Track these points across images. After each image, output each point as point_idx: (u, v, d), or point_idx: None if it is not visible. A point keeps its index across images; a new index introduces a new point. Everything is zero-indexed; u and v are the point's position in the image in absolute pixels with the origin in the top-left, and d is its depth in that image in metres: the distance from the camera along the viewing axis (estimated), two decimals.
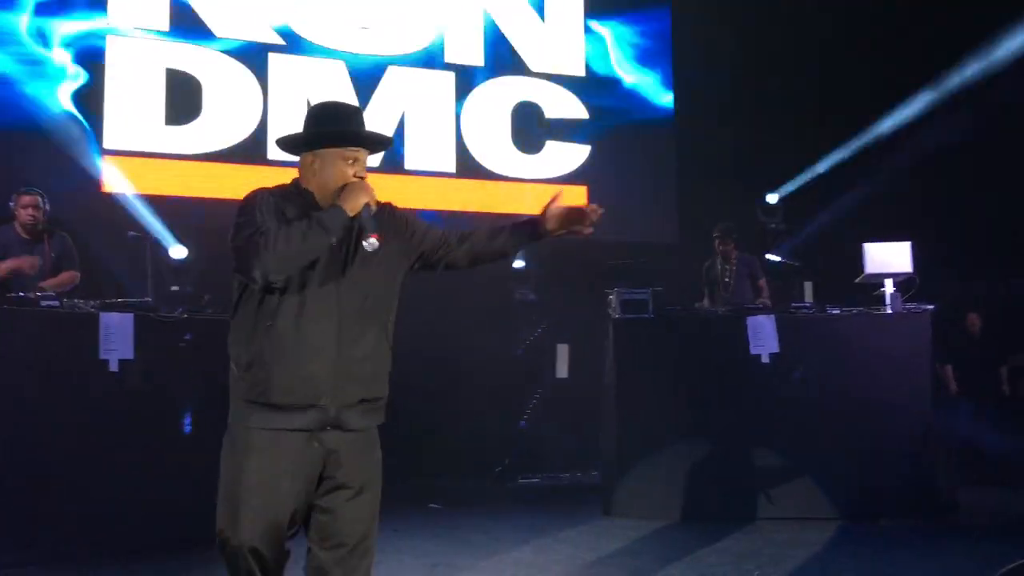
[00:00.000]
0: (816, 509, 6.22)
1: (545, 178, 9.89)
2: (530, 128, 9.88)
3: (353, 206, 2.64)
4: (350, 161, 2.73)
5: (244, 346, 2.59)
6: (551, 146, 9.93)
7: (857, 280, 6.87)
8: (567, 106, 10.05)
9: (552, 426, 8.97)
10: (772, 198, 9.61)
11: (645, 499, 6.38)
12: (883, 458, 6.29)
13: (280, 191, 2.75)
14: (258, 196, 2.70)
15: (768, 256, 8.69)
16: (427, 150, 9.46)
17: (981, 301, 9.42)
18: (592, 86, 10.19)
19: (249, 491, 2.50)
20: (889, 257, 6.73)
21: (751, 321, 6.62)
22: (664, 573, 4.76)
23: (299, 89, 8.97)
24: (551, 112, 9.98)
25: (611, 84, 10.29)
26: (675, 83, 10.46)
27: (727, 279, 7.63)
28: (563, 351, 8.95)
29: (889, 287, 6.69)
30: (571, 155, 10.00)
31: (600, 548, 5.45)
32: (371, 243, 2.61)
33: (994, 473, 7.91)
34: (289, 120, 8.91)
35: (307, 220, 2.57)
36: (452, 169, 9.57)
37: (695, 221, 9.12)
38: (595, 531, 5.98)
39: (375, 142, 2.85)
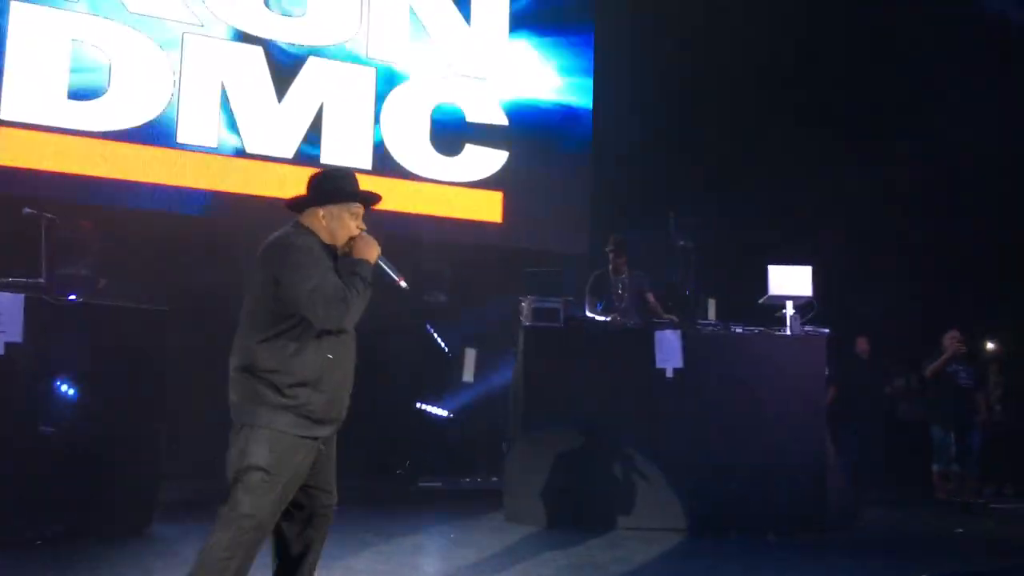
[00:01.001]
0: (712, 521, 6.36)
1: (463, 182, 9.87)
2: (450, 130, 9.85)
3: (371, 257, 3.33)
4: (354, 215, 3.36)
5: (289, 367, 3.12)
6: (470, 150, 9.92)
7: (760, 301, 7.07)
8: (487, 111, 10.05)
9: (457, 429, 8.94)
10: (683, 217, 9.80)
11: (547, 506, 6.40)
12: (778, 473, 6.49)
13: (313, 240, 3.28)
14: (314, 249, 3.24)
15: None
16: (344, 145, 9.30)
17: (874, 325, 9.84)
18: (513, 93, 10.22)
19: (284, 485, 3.10)
20: (791, 280, 6.96)
21: (659, 336, 6.74)
22: None
23: (214, 73, 8.72)
24: (472, 116, 9.97)
25: (533, 92, 10.35)
26: (595, 96, 10.59)
27: (620, 291, 7.73)
28: (470, 355, 8.93)
29: (790, 309, 6.91)
30: (489, 160, 10.01)
31: (502, 554, 5.44)
32: (404, 285, 3.42)
33: (890, 491, 8.29)
34: (201, 104, 8.64)
35: (357, 278, 3.22)
36: (368, 166, 9.43)
37: (607, 234, 9.24)
38: (497, 537, 5.96)
39: (372, 200, 3.45)
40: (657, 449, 6.51)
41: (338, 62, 9.34)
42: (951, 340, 8.15)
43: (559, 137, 10.38)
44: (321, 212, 3.31)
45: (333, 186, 3.36)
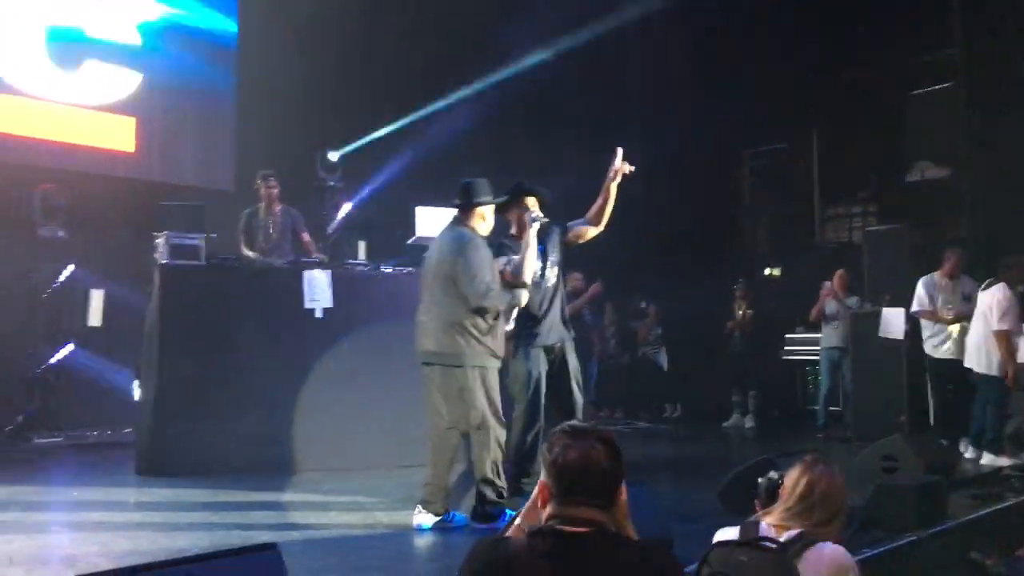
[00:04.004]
0: (364, 460, 6.38)
1: (89, 104, 8.82)
2: (69, 43, 8.72)
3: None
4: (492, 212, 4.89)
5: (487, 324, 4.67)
6: (94, 67, 8.85)
7: (409, 241, 7.17)
8: (116, 27, 9.03)
9: (80, 379, 8.08)
10: (333, 155, 9.65)
11: (186, 455, 6.01)
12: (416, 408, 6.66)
13: (478, 236, 4.76)
14: (483, 247, 4.73)
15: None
16: None
17: None
18: (147, 9, 9.29)
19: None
20: (438, 221, 7.12)
21: (307, 275, 6.59)
22: (206, 530, 4.54)
23: None
24: (96, 32, 8.90)
25: (170, 10, 9.48)
26: (241, 22, 9.98)
27: (270, 230, 7.50)
28: (97, 297, 8.07)
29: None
30: (119, 81, 9.04)
31: (134, 509, 5.04)
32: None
33: None
34: None
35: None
36: None
37: (253, 170, 8.82)
38: (129, 491, 5.50)
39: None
40: (304, 392, 6.38)
41: None
42: (575, 280, 8.92)
43: (202, 62, 9.66)
44: (486, 212, 4.77)
45: (488, 195, 4.77)
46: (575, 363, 5.21)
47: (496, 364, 4.71)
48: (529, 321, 5.07)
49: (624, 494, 2.04)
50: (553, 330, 5.13)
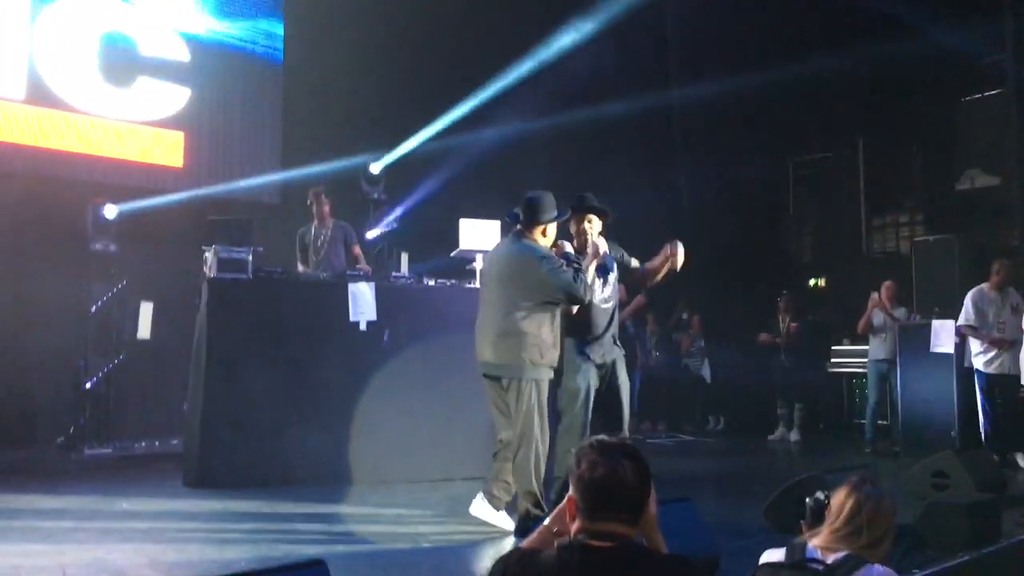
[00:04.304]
0: (408, 472, 6.40)
1: (140, 120, 9.02)
2: (122, 61, 8.92)
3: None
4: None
5: (547, 336, 4.79)
6: (145, 83, 9.05)
7: (452, 254, 7.20)
8: (166, 44, 9.23)
9: (129, 391, 8.23)
10: (375, 168, 9.72)
11: (233, 467, 6.09)
12: (463, 421, 6.67)
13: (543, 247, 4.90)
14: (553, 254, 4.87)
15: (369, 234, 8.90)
16: None
17: None
18: (195, 26, 9.47)
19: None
20: (481, 234, 7.15)
21: (352, 288, 6.63)
22: (252, 542, 4.59)
23: None
24: (147, 49, 9.10)
25: (218, 27, 9.66)
26: (286, 40, 10.12)
27: (320, 243, 7.60)
28: (146, 310, 8.22)
29: (480, 263, 7.10)
30: (169, 97, 9.23)
31: (182, 520, 5.11)
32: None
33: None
34: None
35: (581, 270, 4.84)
36: (21, 95, 8.31)
37: (299, 184, 8.94)
38: (177, 503, 5.59)
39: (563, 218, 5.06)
40: (349, 404, 6.40)
41: None
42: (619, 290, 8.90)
43: (249, 76, 9.82)
44: (547, 227, 4.87)
45: (553, 212, 4.87)
46: (625, 379, 5.20)
47: (550, 375, 4.83)
48: (585, 337, 5.06)
49: (653, 508, 2.08)
50: (607, 347, 5.12)
